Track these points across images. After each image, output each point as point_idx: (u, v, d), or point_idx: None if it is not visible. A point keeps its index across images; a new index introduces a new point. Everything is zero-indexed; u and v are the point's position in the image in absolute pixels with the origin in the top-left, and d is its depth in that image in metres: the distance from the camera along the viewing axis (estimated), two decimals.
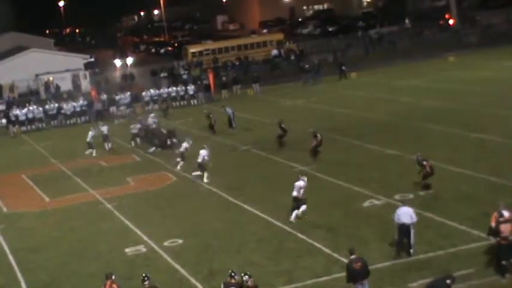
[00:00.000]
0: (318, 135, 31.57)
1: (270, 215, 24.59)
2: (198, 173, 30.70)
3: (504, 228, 17.58)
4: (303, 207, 23.74)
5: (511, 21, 76.77)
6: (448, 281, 15.69)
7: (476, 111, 36.51)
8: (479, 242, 19.47)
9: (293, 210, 23.79)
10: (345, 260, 19.30)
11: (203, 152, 30.48)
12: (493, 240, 18.11)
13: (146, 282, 17.07)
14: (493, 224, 18.06)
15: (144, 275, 17.29)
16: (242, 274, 16.72)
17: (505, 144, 29.78)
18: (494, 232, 17.92)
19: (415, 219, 19.66)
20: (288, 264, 20.23)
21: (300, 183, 24.02)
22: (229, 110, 40.84)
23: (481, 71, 50.30)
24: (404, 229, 19.51)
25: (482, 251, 19.04)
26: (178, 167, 32.57)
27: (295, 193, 23.86)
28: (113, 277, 17.56)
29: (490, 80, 45.31)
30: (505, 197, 21.64)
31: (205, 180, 30.12)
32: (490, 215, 18.45)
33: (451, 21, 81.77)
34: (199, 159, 30.43)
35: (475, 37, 71.42)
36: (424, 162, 25.11)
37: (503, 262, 17.56)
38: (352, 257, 17.09)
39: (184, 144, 32.99)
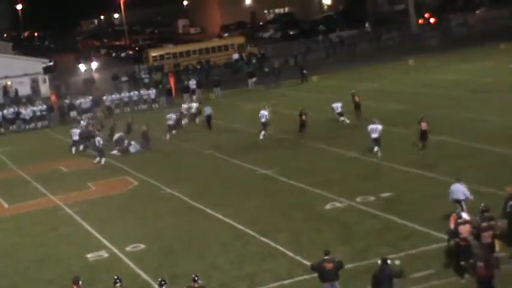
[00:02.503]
0: (303, 115, 35.96)
1: (232, 219, 24.57)
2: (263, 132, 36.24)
3: (463, 229, 17.81)
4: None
5: (469, 25, 77.98)
6: (388, 261, 16.10)
7: (435, 114, 36.92)
8: (439, 243, 19.69)
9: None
10: (308, 263, 19.41)
11: (264, 113, 36.29)
12: (452, 241, 18.35)
13: (118, 285, 16.92)
14: (452, 226, 18.30)
15: (115, 277, 17.18)
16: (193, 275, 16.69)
17: (465, 146, 30.20)
18: (453, 234, 18.16)
19: (469, 196, 20.39)
20: (251, 268, 20.24)
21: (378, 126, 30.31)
22: (208, 110, 41.02)
23: (441, 74, 50.97)
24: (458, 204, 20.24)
25: (442, 252, 19.27)
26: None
27: (375, 135, 30.21)
28: (80, 282, 17.39)
29: (449, 83, 45.91)
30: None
31: (261, 137, 35.97)
32: (448, 216, 18.69)
33: (432, 20, 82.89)
34: (263, 119, 36.24)
35: (434, 41, 72.39)
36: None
37: (462, 263, 17.79)
38: (326, 257, 17.16)
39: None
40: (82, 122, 42.62)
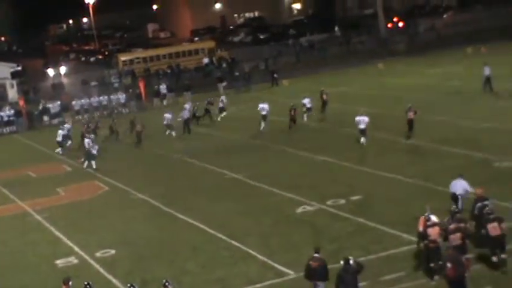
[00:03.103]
0: (293, 110, 37.99)
1: (203, 223, 24.52)
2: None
3: (432, 231, 17.96)
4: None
5: (437, 29, 78.75)
6: (350, 262, 16.31)
7: (404, 118, 37.21)
8: (410, 245, 19.83)
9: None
10: (279, 267, 19.48)
11: (264, 106, 38.50)
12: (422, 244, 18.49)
13: None
14: (420, 228, 18.45)
15: (86, 283, 17.06)
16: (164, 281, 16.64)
17: (432, 149, 30.48)
18: (423, 236, 18.29)
19: (469, 190, 20.99)
20: (222, 272, 20.20)
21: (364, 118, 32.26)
22: (186, 113, 40.96)
23: (409, 78, 51.41)
24: (454, 198, 20.98)
25: (412, 254, 19.41)
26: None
27: (362, 126, 32.17)
28: (70, 283, 17.35)
29: (417, 87, 46.28)
30: (434, 200, 22.12)
31: (261, 129, 38.09)
32: (418, 219, 18.83)
33: (400, 24, 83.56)
34: (263, 112, 38.28)
35: (403, 45, 72.98)
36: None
37: (432, 265, 17.94)
38: (315, 255, 17.24)
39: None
40: (67, 124, 42.61)
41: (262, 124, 38.59)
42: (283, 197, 26.58)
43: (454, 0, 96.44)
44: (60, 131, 39.49)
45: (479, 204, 19.19)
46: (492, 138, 30.80)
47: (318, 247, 17.65)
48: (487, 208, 18.99)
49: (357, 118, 33.17)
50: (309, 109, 39.97)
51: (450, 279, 16.51)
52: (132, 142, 39.56)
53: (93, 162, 34.69)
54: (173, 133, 40.43)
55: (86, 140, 36.02)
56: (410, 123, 32.82)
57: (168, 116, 40.94)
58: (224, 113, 43.82)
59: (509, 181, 24.43)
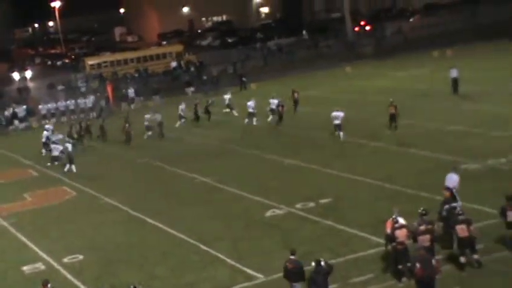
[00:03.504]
0: (281, 106, 39.45)
1: (172, 228, 24.42)
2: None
3: (399, 233, 18.09)
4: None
5: (404, 33, 79.45)
6: (322, 263, 16.44)
7: (372, 120, 37.51)
8: (378, 247, 19.96)
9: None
10: (248, 270, 19.49)
11: (251, 104, 40.24)
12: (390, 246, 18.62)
13: None
14: (388, 231, 18.58)
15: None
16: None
17: (399, 152, 30.72)
18: (390, 238, 18.43)
19: (457, 186, 21.24)
20: (191, 276, 20.13)
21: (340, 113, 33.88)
22: (159, 116, 40.83)
23: (376, 81, 51.77)
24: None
25: (380, 256, 19.54)
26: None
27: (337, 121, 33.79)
28: (49, 285, 17.26)
29: (384, 90, 46.60)
30: (400, 203, 22.32)
31: (254, 123, 39.69)
32: (386, 221, 18.95)
33: (367, 27, 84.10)
34: (250, 110, 40.39)
35: (370, 48, 73.51)
36: None
37: (400, 267, 18.07)
38: (291, 257, 17.31)
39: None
40: (49, 126, 42.76)
41: (254, 119, 40.42)
42: (252, 200, 26.58)
43: (421, 3, 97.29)
44: (45, 132, 39.69)
45: (447, 206, 19.37)
46: (459, 141, 31.14)
47: (294, 249, 17.68)
48: (458, 209, 19.20)
49: (333, 114, 34.59)
50: (272, 110, 40.51)
51: (418, 279, 16.65)
52: (98, 145, 39.30)
53: (73, 167, 34.47)
54: (150, 133, 40.94)
55: (67, 144, 35.71)
56: (392, 117, 34.75)
57: (147, 117, 41.50)
58: (233, 111, 44.27)
59: (476, 183, 24.71)
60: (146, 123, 41.23)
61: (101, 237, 24.53)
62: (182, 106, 43.41)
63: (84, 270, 21.58)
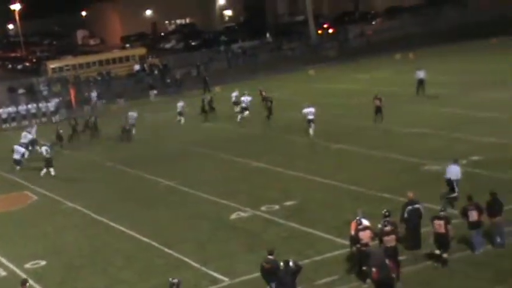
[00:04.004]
0: (269, 101, 40.63)
1: (137, 231, 24.25)
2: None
3: (363, 235, 18.21)
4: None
5: (366, 36, 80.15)
6: (290, 263, 16.56)
7: (335, 123, 37.72)
8: (343, 249, 20.07)
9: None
10: (214, 274, 19.45)
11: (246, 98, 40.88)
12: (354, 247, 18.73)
13: None
14: (352, 232, 18.69)
15: None
16: None
17: (363, 154, 30.93)
18: (355, 240, 18.54)
19: (459, 177, 22.64)
20: (156, 280, 20.00)
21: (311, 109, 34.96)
22: (133, 116, 40.56)
23: (339, 84, 52.09)
24: (449, 183, 22.74)
25: (345, 257, 19.64)
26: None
27: (311, 116, 34.83)
28: (27, 284, 17.13)
29: (348, 92, 46.93)
30: (364, 204, 22.50)
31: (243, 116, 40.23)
32: (351, 222, 19.07)
33: (330, 30, 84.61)
34: (243, 104, 40.90)
35: (333, 51, 73.96)
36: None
37: (364, 268, 18.17)
38: (269, 256, 17.37)
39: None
40: (31, 128, 42.55)
41: (246, 112, 41.12)
42: (218, 203, 26.53)
43: (383, 7, 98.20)
44: (26, 133, 39.58)
45: (409, 208, 19.54)
46: (421, 143, 31.46)
47: (272, 249, 17.67)
48: (421, 210, 19.40)
49: (305, 110, 35.56)
50: (245, 108, 41.41)
51: (375, 282, 16.83)
52: (64, 148, 38.92)
53: (51, 170, 34.06)
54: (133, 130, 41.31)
55: (44, 148, 35.21)
56: (377, 109, 36.34)
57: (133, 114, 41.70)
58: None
59: (436, 184, 24.98)
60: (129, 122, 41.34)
61: (63, 242, 24.26)
62: (181, 104, 43.99)
63: (46, 276, 21.32)
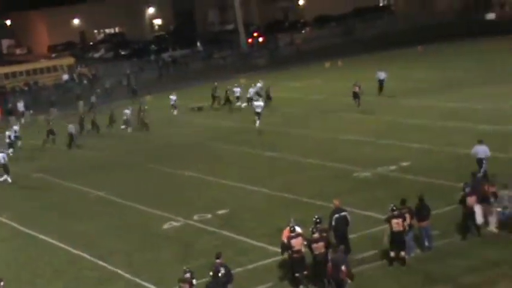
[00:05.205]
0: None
1: (66, 243, 23.75)
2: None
3: (295, 242, 18.25)
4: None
5: (296, 44, 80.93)
6: (220, 273, 16.70)
7: (268, 131, 37.84)
8: (275, 256, 20.06)
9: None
10: (146, 284, 19.19)
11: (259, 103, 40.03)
12: (286, 254, 18.75)
13: None
14: (284, 240, 18.73)
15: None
16: None
17: (295, 161, 31.10)
18: (287, 247, 18.57)
19: (488, 154, 24.01)
20: None
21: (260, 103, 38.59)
22: (71, 128, 39.72)
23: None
24: (479, 162, 23.76)
25: (277, 265, 19.66)
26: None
27: (259, 110, 37.92)
28: (2, 283, 17.14)
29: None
30: (297, 212, 22.58)
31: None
32: (283, 230, 19.10)
33: (260, 39, 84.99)
34: (258, 109, 39.30)
35: (263, 60, 74.38)
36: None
37: (297, 274, 18.23)
38: (217, 260, 17.27)
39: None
40: (15, 126, 42.67)
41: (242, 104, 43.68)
42: (149, 213, 26.23)
43: (311, 16, 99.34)
44: (7, 133, 39.92)
45: (336, 216, 19.63)
46: (352, 150, 31.84)
47: (219, 252, 17.64)
48: (348, 217, 19.56)
49: (255, 103, 39.40)
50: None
51: (329, 277, 17.28)
52: None
53: (8, 178, 33.42)
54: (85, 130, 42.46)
55: (1, 155, 34.16)
56: (355, 95, 39.66)
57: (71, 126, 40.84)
58: (244, 104, 45.83)
59: (367, 191, 25.32)
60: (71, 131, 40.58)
61: None
62: (173, 97, 47.14)
63: None
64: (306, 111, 42.43)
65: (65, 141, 40.52)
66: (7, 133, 40.52)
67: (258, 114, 38.29)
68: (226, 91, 46.34)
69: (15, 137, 40.77)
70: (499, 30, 68.09)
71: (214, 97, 47.01)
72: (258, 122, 38.20)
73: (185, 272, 16.72)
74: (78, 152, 39.07)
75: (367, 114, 38.81)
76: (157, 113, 45.30)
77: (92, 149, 39.40)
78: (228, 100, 45.89)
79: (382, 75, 44.08)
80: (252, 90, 45.39)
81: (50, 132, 41.09)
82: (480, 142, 24.56)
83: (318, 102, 44.89)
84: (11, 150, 39.05)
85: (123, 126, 43.25)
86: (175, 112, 46.24)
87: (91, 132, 43.47)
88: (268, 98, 44.83)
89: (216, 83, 48.48)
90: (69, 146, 39.93)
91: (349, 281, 17.28)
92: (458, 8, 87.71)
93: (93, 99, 53.63)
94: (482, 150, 24.23)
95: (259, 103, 39.27)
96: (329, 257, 17.63)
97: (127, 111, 43.55)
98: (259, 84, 46.73)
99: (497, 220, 20.14)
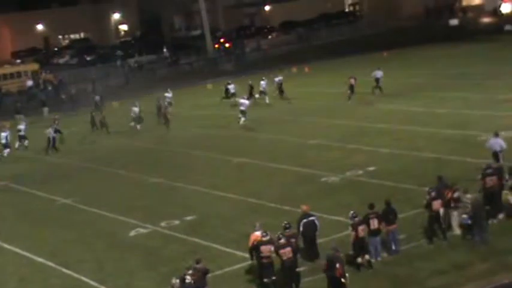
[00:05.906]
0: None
1: (32, 252, 23.45)
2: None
3: (264, 248, 18.24)
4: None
5: (263, 49, 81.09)
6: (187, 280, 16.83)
7: (236, 136, 37.84)
8: (243, 262, 20.04)
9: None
10: None
11: (244, 101, 40.17)
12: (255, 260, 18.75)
13: None
14: (251, 244, 18.70)
15: None
16: None
17: (263, 167, 31.10)
18: (255, 252, 18.55)
19: (504, 147, 24.26)
20: None
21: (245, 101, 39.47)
22: (51, 131, 39.20)
23: (238, 97, 52.13)
24: (495, 155, 24.08)
25: (245, 270, 19.63)
26: None
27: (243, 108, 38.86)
28: None
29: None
30: (264, 216, 22.61)
31: (241, 122, 39.12)
32: (250, 235, 19.09)
33: (227, 45, 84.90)
34: (242, 107, 39.66)
35: (230, 65, 74.36)
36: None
37: (265, 280, 18.23)
38: (197, 265, 17.35)
39: None
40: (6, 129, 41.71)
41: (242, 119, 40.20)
42: (116, 220, 26.02)
43: (278, 21, 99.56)
44: (3, 134, 39.58)
45: (304, 221, 19.66)
46: (318, 155, 31.95)
47: (199, 258, 17.73)
48: (316, 222, 19.62)
49: (240, 100, 40.24)
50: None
51: (331, 278, 17.30)
52: None
53: None
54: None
55: None
56: (351, 87, 42.41)
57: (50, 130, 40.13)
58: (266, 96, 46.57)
59: (335, 195, 25.42)
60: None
61: None
62: (169, 94, 48.36)
63: None
64: (273, 116, 42.47)
65: (35, 147, 40.21)
66: None
67: (242, 112, 39.04)
68: (251, 86, 47.33)
69: None
70: (462, 35, 69.30)
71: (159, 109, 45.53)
72: (242, 119, 38.99)
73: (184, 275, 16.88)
74: (37, 160, 38.60)
75: (333, 119, 38.99)
76: (125, 120, 44.93)
77: (54, 155, 38.94)
78: (251, 94, 46.25)
79: (378, 73, 44.93)
80: (263, 83, 47.11)
81: (22, 137, 40.73)
82: (496, 135, 24.75)
83: (286, 107, 44.96)
84: None
85: (132, 124, 43.33)
86: (170, 109, 45.27)
87: (98, 132, 44.12)
88: (280, 92, 47.21)
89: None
90: (46, 151, 39.43)
91: (343, 280, 17.30)
92: (423, 14, 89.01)
93: (97, 98, 53.40)
94: (497, 144, 24.42)
95: (244, 101, 39.69)
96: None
97: (135, 109, 43.65)
98: (262, 82, 47.42)
99: (458, 223, 20.33)
